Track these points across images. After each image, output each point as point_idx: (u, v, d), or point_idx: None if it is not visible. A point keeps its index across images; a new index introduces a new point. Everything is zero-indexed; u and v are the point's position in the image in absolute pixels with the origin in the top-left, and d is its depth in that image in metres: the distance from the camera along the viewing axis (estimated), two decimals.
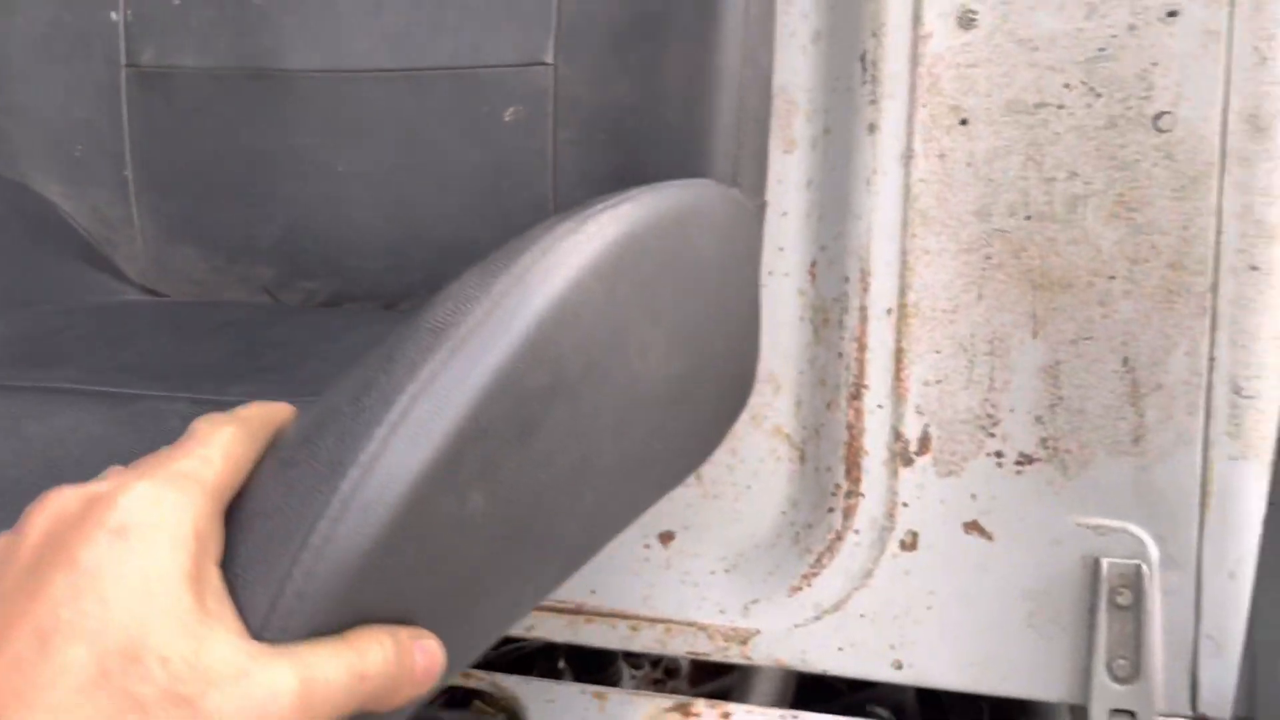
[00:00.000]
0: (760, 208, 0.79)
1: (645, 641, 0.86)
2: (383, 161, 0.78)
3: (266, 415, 0.43)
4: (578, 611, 0.88)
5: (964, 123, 0.78)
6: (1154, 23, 0.75)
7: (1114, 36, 0.75)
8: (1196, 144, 0.75)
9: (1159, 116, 0.75)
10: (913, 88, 0.79)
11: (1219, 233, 0.75)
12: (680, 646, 0.86)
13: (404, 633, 0.40)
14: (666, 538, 0.88)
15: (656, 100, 0.70)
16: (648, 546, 0.89)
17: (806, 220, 0.84)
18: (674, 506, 0.88)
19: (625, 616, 0.87)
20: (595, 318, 0.48)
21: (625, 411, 0.53)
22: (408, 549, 0.39)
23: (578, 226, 0.49)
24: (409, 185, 0.78)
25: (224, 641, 0.36)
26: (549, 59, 0.74)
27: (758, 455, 0.86)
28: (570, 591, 0.89)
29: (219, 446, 0.40)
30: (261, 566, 0.38)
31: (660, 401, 0.57)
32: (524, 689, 0.86)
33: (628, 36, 0.71)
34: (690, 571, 0.87)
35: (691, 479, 0.88)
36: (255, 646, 0.36)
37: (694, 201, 0.60)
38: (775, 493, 0.86)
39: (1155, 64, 0.75)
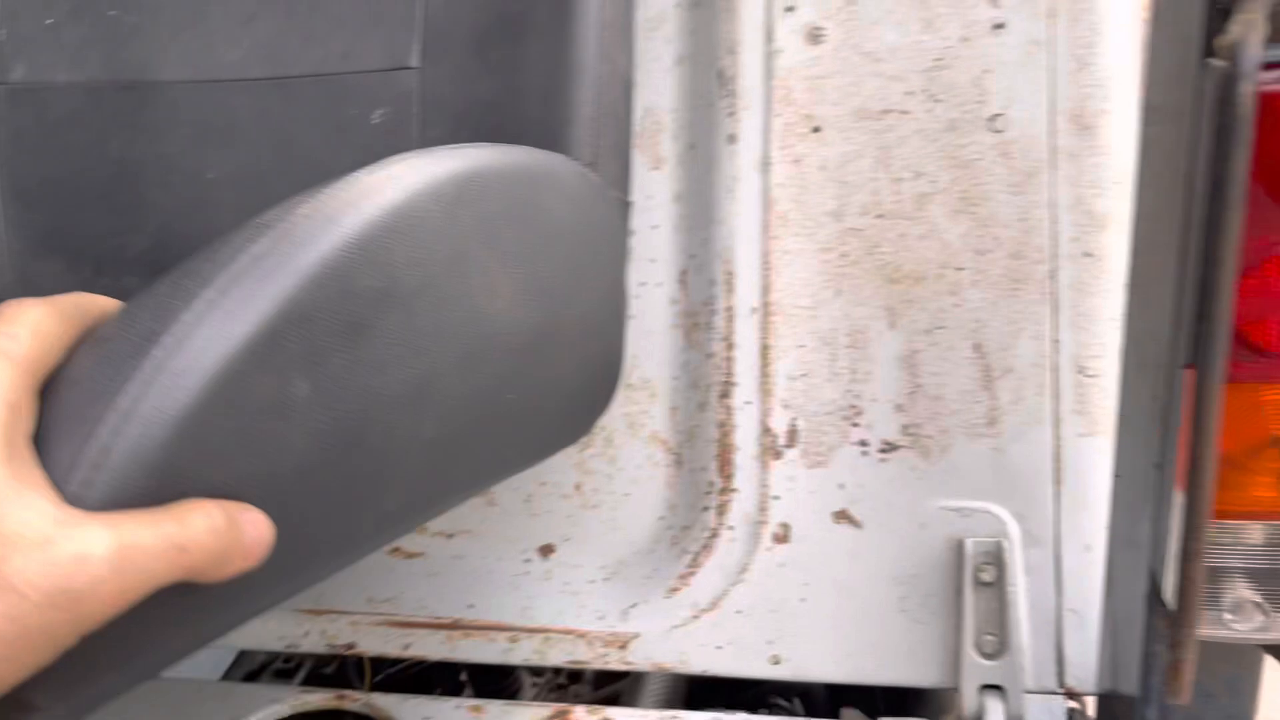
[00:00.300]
0: (625, 204, 0.82)
1: (524, 653, 0.85)
2: (253, 166, 0.79)
3: (81, 300, 0.43)
4: (454, 627, 0.86)
5: (816, 130, 0.82)
6: (984, 34, 0.80)
7: (949, 47, 0.81)
8: (1029, 143, 0.80)
9: (993, 118, 0.80)
10: (768, 100, 0.83)
11: (1054, 223, 0.79)
12: (558, 656, 0.84)
13: (232, 506, 0.40)
14: (546, 550, 0.88)
15: (518, 96, 0.73)
16: (527, 560, 0.88)
17: (676, 232, 0.87)
18: (553, 519, 0.88)
19: (503, 629, 0.85)
20: (432, 237, 0.49)
21: (472, 345, 0.54)
22: (225, 423, 0.39)
23: (420, 156, 0.51)
24: (279, 188, 0.79)
25: (30, 507, 0.35)
26: (414, 63, 0.76)
27: (635, 463, 0.87)
28: (447, 607, 0.87)
29: (27, 325, 0.40)
30: (67, 427, 0.37)
31: (513, 351, 0.58)
32: (400, 707, 0.83)
33: (489, 38, 0.75)
34: (570, 582, 0.87)
35: (571, 490, 0.88)
36: (66, 513, 0.36)
37: (545, 164, 0.62)
38: (653, 498, 0.87)
39: (987, 71, 0.80)
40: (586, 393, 0.72)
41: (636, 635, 0.83)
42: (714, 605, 0.83)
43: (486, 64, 0.75)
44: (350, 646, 0.87)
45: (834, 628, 0.81)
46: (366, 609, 0.87)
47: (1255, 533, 0.60)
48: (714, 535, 0.84)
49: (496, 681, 1.03)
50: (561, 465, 0.88)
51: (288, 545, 0.43)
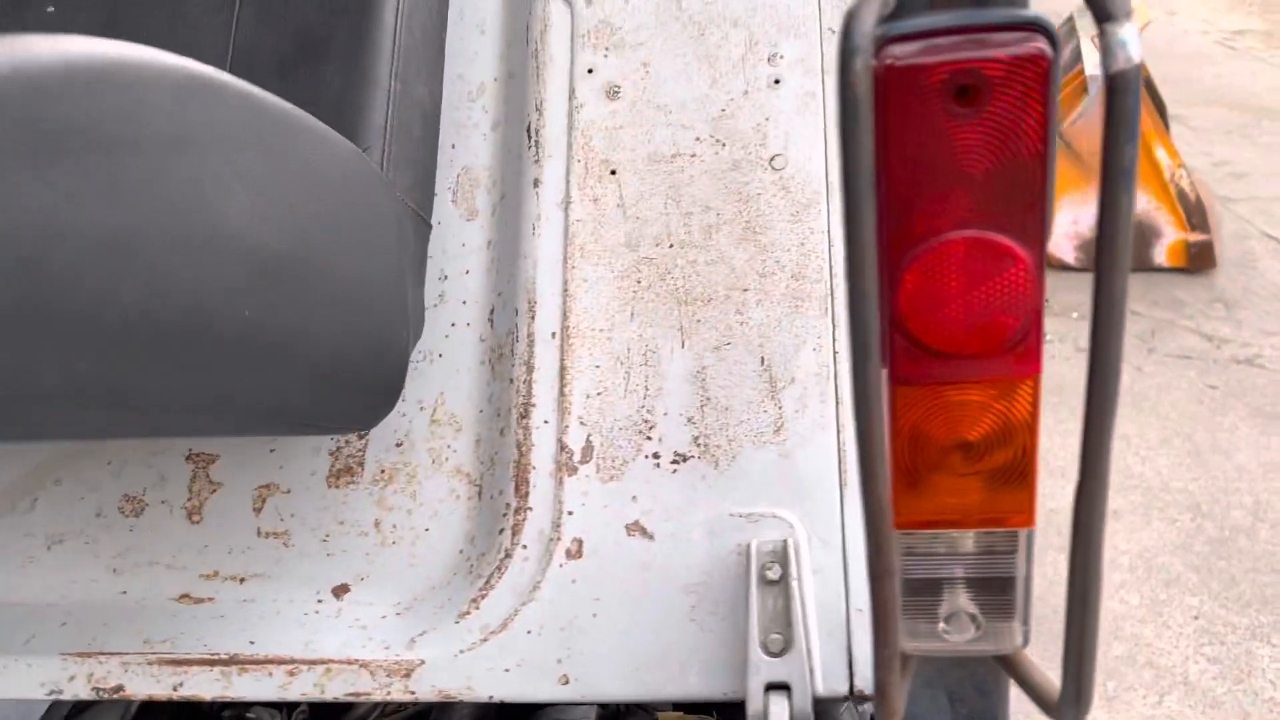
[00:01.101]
0: (420, 219, 0.86)
1: (303, 687, 0.79)
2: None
3: None
4: (230, 662, 0.81)
5: (613, 173, 0.88)
6: (764, 89, 0.89)
7: (732, 100, 0.89)
8: (805, 178, 0.86)
9: (773, 158, 0.87)
10: (569, 148, 0.90)
11: (830, 247, 0.84)
12: (340, 689, 0.79)
13: None
14: (341, 590, 0.85)
15: (316, 110, 0.79)
16: (320, 600, 0.84)
17: (486, 274, 0.91)
18: (350, 558, 0.85)
19: (282, 662, 0.80)
20: (151, 106, 0.52)
21: (195, 231, 0.55)
22: None
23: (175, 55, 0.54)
24: None
25: None
26: None
27: (437, 496, 0.86)
28: (227, 645, 0.82)
29: None
30: None
31: (252, 266, 0.60)
32: None
33: (292, 60, 0.81)
34: (361, 617, 0.83)
35: (370, 528, 0.86)
36: None
37: (312, 123, 0.66)
38: (454, 531, 0.85)
39: (767, 119, 0.88)
40: (347, 377, 0.72)
41: (421, 663, 0.79)
42: (504, 626, 0.79)
43: (288, 84, 0.81)
44: (118, 689, 0.81)
45: (624, 643, 0.77)
46: (141, 649, 0.82)
47: (968, 541, 0.52)
48: (507, 556, 0.82)
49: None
50: (361, 502, 0.86)
51: None
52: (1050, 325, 3.60)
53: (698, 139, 0.89)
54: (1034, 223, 0.36)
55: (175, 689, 0.80)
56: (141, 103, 0.51)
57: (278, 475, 0.87)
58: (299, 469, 0.87)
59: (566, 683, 0.77)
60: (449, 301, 0.90)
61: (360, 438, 0.87)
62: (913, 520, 0.51)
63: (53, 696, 0.81)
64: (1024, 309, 0.39)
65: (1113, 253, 0.34)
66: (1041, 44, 0.33)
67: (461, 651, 0.79)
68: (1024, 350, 0.40)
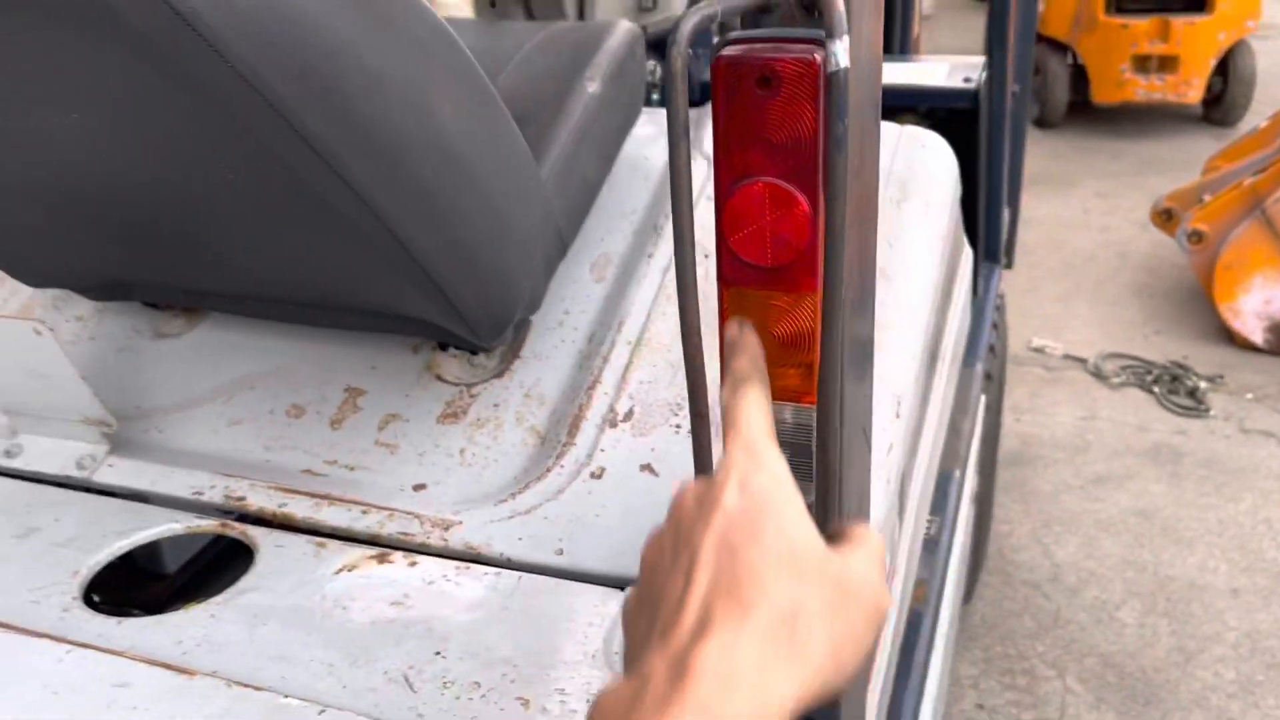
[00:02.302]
0: (561, 241, 1.18)
1: (369, 524, 1.02)
2: None
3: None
4: (324, 497, 1.05)
5: (706, 256, 1.20)
6: None
7: None
8: None
9: None
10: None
11: None
12: (394, 528, 1.01)
13: None
14: (419, 487, 1.09)
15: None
16: (401, 490, 1.09)
17: (598, 312, 1.21)
18: (434, 469, 1.09)
19: (359, 503, 1.04)
20: (400, 31, 0.91)
21: (418, 100, 0.91)
22: None
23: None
24: None
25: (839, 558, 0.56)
26: None
27: (512, 443, 1.11)
28: (324, 485, 1.07)
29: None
30: None
31: (448, 155, 0.94)
32: (262, 535, 1.01)
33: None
34: (426, 499, 1.07)
35: (456, 454, 1.11)
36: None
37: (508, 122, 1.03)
38: (516, 463, 1.09)
39: None
40: (490, 295, 1.02)
41: (460, 523, 1.01)
42: (527, 511, 1.01)
43: None
44: (241, 499, 1.06)
45: (613, 538, 0.97)
46: (265, 482, 1.08)
47: (784, 412, 0.63)
48: (547, 471, 1.05)
49: None
50: (455, 436, 1.12)
51: None
52: (1220, 403, 3.35)
53: None
54: (808, 177, 0.55)
55: (280, 507, 1.05)
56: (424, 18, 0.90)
57: (404, 408, 1.15)
58: (421, 408, 1.15)
59: (561, 554, 0.96)
60: (564, 326, 1.20)
61: (471, 394, 1.15)
62: None
63: (195, 496, 1.07)
64: (801, 238, 0.57)
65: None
66: (815, 54, 0.52)
67: (491, 521, 1.00)
68: (805, 271, 0.57)
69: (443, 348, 1.19)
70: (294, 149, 0.84)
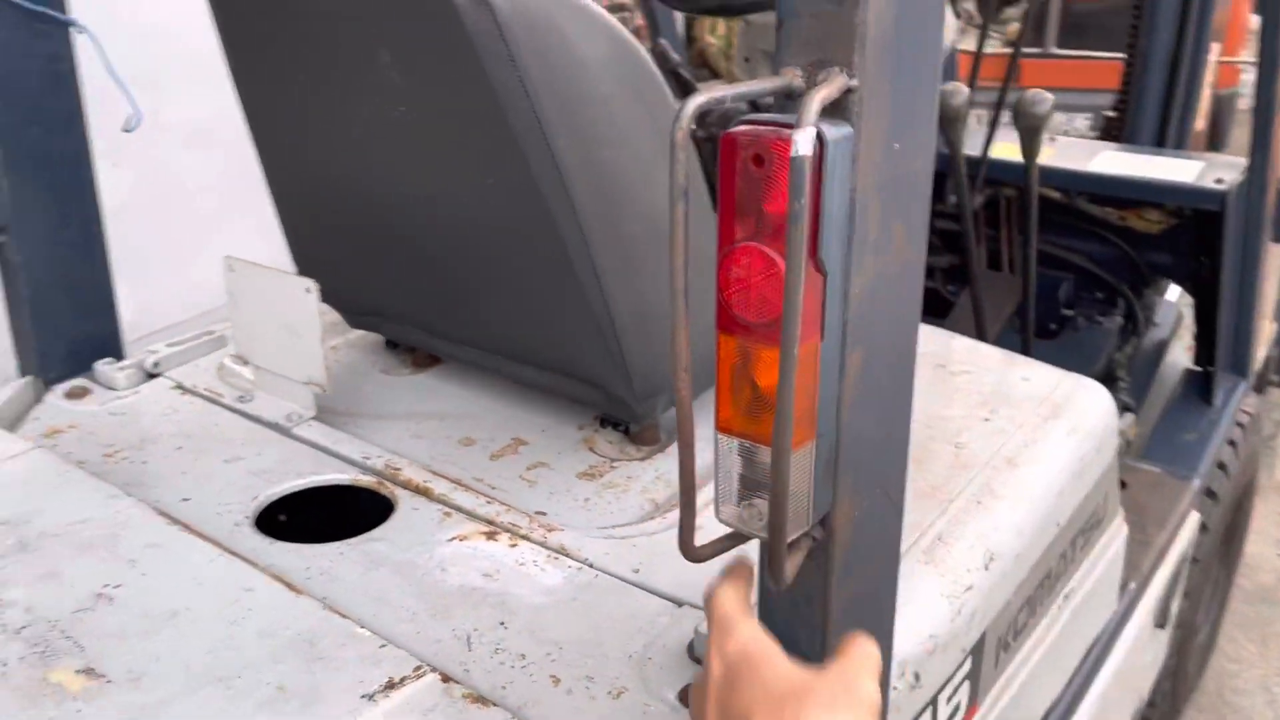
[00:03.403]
0: None
1: (489, 510, 1.16)
2: None
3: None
4: (458, 484, 1.20)
5: None
6: None
7: None
8: None
9: None
10: None
11: None
12: (507, 520, 1.14)
13: None
14: (540, 514, 1.21)
15: None
16: (525, 515, 1.21)
17: None
18: (559, 508, 1.21)
19: (481, 493, 1.18)
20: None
21: (624, 178, 1.04)
22: None
23: None
24: None
25: None
26: None
27: (635, 504, 1.21)
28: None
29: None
30: None
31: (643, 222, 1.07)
32: (405, 497, 1.17)
33: None
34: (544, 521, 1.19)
35: (582, 502, 1.21)
36: None
37: None
38: (629, 514, 1.19)
39: None
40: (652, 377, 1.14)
41: (562, 530, 1.12)
42: (621, 539, 1.10)
43: None
44: (397, 471, 1.23)
45: (685, 571, 1.04)
46: (424, 469, 1.25)
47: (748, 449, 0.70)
48: (649, 519, 1.14)
49: None
50: (585, 487, 1.22)
51: None
52: None
53: None
54: (793, 245, 0.59)
55: (424, 481, 1.21)
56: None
57: (553, 460, 1.28)
58: (567, 464, 1.27)
59: (636, 572, 1.05)
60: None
61: (612, 466, 1.26)
62: (724, 427, 0.71)
63: (364, 459, 1.25)
64: (779, 299, 0.61)
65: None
66: (799, 142, 0.56)
67: (588, 537, 1.11)
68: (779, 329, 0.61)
69: (603, 425, 1.33)
70: (543, 164, 1.05)
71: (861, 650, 0.70)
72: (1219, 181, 1.82)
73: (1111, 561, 1.49)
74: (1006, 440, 1.27)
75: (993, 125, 1.95)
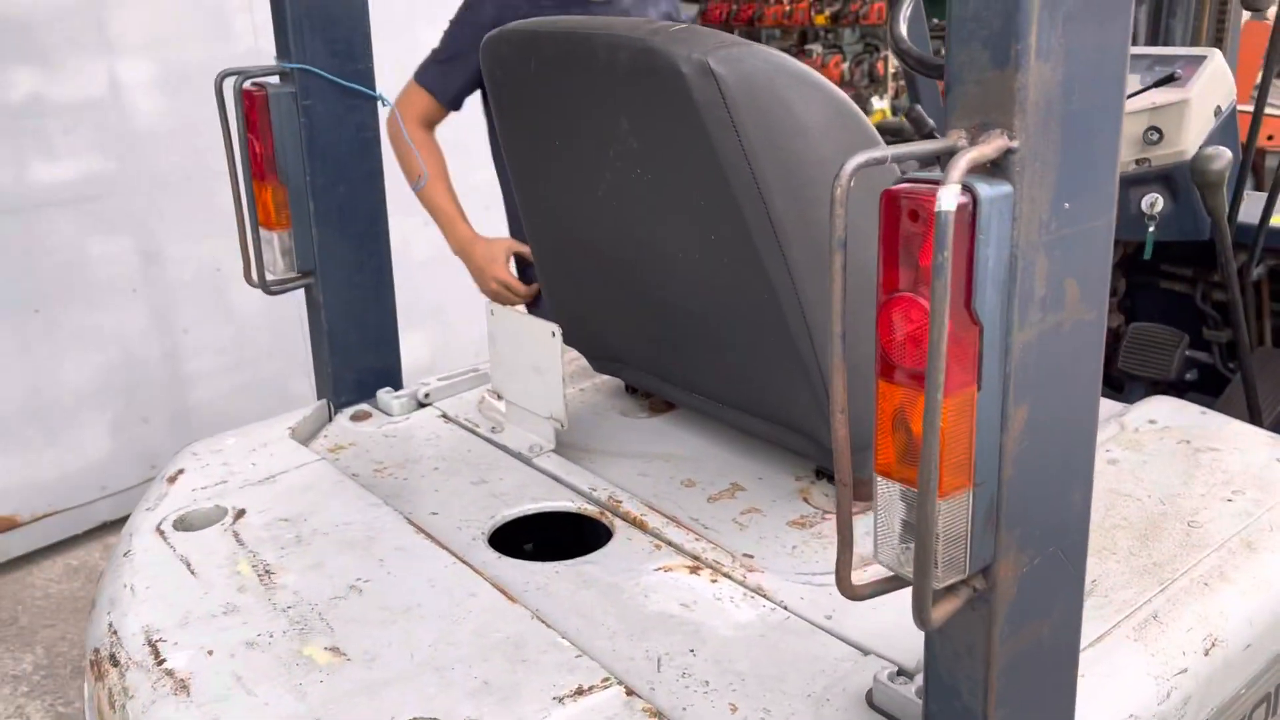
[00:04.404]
0: None
1: (696, 547, 1.23)
2: None
3: None
4: (674, 519, 1.28)
5: None
6: None
7: None
8: None
9: None
10: None
11: None
12: (711, 557, 1.20)
13: None
14: (749, 556, 1.26)
15: None
16: (733, 558, 1.27)
17: None
18: (765, 551, 1.27)
19: (695, 533, 1.25)
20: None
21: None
22: None
23: None
24: None
25: None
26: None
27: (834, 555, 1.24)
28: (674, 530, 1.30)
29: None
30: None
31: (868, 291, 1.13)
32: (622, 527, 1.27)
33: None
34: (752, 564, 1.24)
35: (788, 548, 1.25)
36: None
37: None
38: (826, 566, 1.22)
39: None
40: None
41: (763, 572, 1.17)
42: (820, 585, 1.13)
43: None
44: (618, 502, 1.33)
45: (880, 621, 1.05)
46: (640, 501, 1.34)
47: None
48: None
49: None
50: (793, 535, 1.26)
51: None
52: None
53: None
54: (938, 295, 0.62)
55: (641, 514, 1.29)
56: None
57: (766, 507, 1.33)
58: (780, 512, 1.32)
59: (829, 619, 1.08)
60: None
61: (824, 517, 1.30)
62: (883, 471, 0.75)
63: (590, 490, 1.36)
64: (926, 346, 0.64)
65: None
66: (942, 198, 0.61)
67: (786, 580, 1.15)
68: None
69: (818, 477, 1.37)
70: (759, 222, 1.12)
71: None
72: None
73: None
74: (1248, 523, 1.19)
75: (1273, 191, 1.82)
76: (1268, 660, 1.11)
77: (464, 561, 1.17)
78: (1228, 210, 1.86)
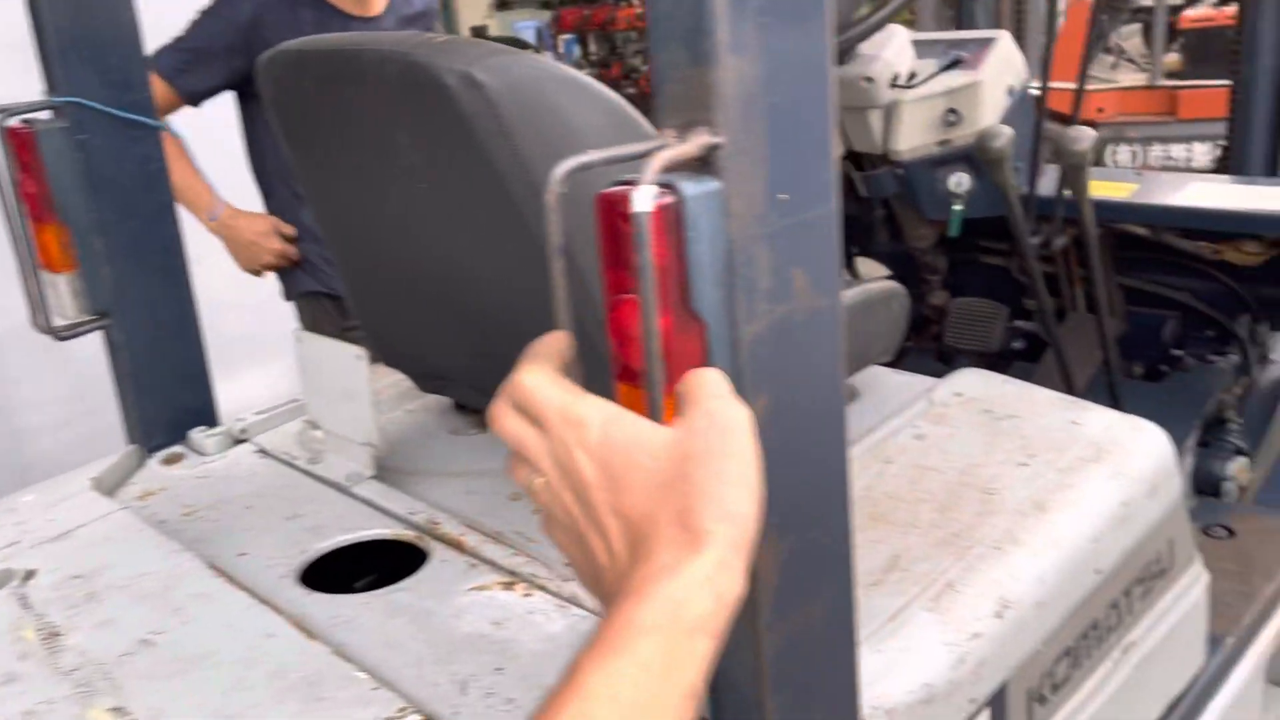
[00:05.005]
0: None
1: (515, 563, 1.21)
2: None
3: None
4: (495, 537, 1.26)
5: None
6: None
7: None
8: None
9: None
10: None
11: None
12: (529, 570, 1.19)
13: None
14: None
15: None
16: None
17: None
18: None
19: (514, 547, 1.24)
20: None
21: None
22: None
23: None
24: None
25: None
26: None
27: None
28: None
29: None
30: None
31: None
32: (439, 550, 1.24)
33: None
34: None
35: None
36: None
37: None
38: None
39: None
40: None
41: None
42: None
43: None
44: (437, 524, 1.30)
45: None
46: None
47: None
48: None
49: None
50: None
51: None
52: None
53: None
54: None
55: (460, 534, 1.27)
56: None
57: None
58: None
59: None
60: None
61: None
62: None
63: (409, 515, 1.33)
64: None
65: None
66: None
67: None
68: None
69: None
70: (544, 229, 1.09)
71: (703, 378, 0.65)
72: None
73: (1189, 613, 1.40)
74: (1040, 485, 1.24)
75: (1034, 162, 1.90)
76: (1063, 615, 1.16)
77: (266, 602, 1.13)
78: (1027, 185, 1.94)
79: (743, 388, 0.71)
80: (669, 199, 0.65)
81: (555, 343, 0.74)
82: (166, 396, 1.60)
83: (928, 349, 2.48)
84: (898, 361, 2.55)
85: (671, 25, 0.66)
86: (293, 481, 1.46)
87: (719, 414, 0.64)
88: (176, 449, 1.58)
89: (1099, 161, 6.99)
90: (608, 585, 0.63)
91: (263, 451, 1.56)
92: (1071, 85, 1.96)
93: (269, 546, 1.29)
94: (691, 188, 0.65)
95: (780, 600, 0.77)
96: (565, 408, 0.66)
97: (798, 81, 0.70)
